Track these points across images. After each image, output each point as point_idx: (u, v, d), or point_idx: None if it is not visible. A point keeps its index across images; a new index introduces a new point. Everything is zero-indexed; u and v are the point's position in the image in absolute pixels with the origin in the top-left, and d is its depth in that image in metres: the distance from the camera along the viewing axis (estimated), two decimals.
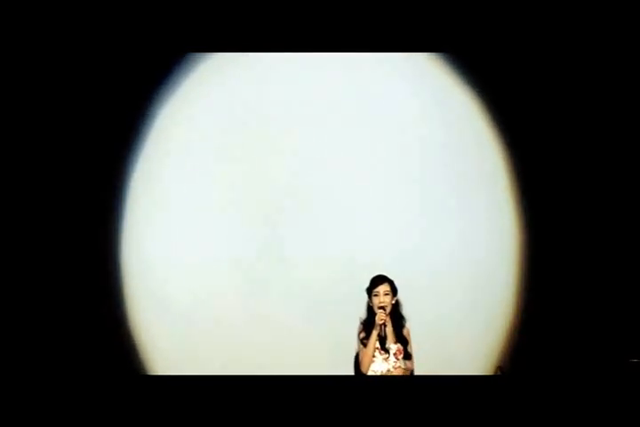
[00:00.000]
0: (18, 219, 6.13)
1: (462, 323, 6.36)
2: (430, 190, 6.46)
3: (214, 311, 6.27)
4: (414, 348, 5.48)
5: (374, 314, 5.38)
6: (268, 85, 6.42)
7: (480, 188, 6.50)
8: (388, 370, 5.36)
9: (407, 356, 5.42)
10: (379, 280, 5.47)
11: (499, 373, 6.08)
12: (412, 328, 5.49)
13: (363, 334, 5.42)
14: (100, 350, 6.07)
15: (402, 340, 5.41)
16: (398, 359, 5.39)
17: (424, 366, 5.80)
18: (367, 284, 5.50)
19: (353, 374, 5.79)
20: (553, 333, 6.28)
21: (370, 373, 5.34)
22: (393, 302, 5.44)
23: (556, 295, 6.32)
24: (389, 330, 5.41)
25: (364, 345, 5.38)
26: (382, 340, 5.37)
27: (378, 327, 5.33)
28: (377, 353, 5.37)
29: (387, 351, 5.36)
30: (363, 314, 5.55)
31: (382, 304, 5.38)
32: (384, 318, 5.34)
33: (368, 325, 5.41)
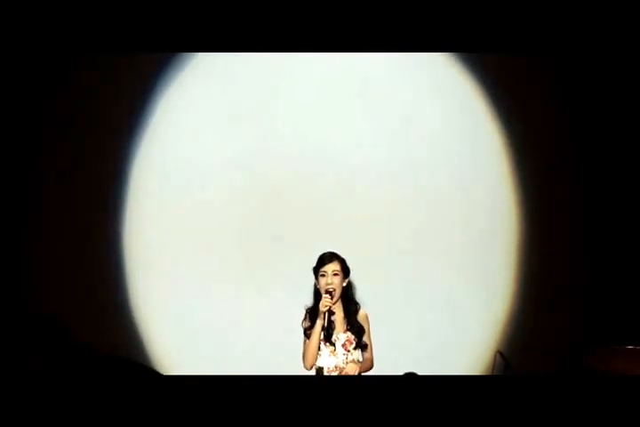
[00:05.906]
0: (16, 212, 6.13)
1: (461, 312, 6.09)
2: (431, 181, 6.21)
3: (213, 311, 6.12)
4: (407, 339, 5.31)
5: (320, 299, 4.45)
6: (274, 85, 6.31)
7: (481, 176, 6.26)
8: (337, 366, 4.44)
9: (362, 346, 4.49)
10: (327, 258, 4.52)
11: (498, 358, 5.29)
12: (411, 322, 5.37)
13: (306, 324, 4.51)
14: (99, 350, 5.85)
15: (355, 328, 4.49)
16: (349, 351, 4.47)
17: (423, 359, 5.57)
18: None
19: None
20: (553, 322, 6.03)
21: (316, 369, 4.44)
22: (344, 284, 4.51)
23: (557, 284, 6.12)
24: (338, 318, 4.51)
25: (308, 337, 4.46)
26: (329, 330, 4.44)
27: (322, 316, 4.40)
28: (322, 346, 4.44)
29: (333, 344, 4.44)
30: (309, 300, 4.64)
31: (330, 287, 4.45)
32: (329, 304, 4.40)
33: (313, 312, 4.49)
